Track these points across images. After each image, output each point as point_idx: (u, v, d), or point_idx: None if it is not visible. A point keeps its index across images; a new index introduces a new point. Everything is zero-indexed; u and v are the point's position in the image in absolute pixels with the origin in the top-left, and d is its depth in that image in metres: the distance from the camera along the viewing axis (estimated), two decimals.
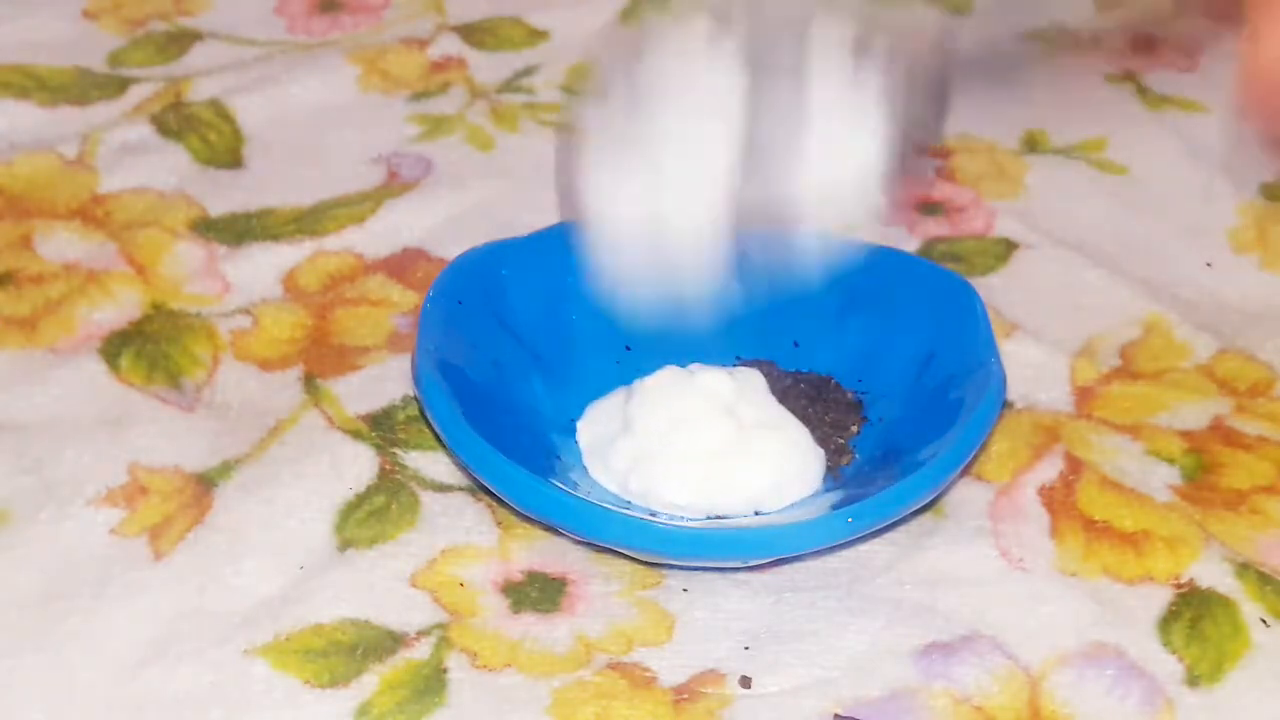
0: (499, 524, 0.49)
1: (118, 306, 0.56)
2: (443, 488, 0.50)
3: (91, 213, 0.59)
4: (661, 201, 0.47)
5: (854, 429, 0.51)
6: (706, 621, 0.46)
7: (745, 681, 0.45)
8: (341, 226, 0.59)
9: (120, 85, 0.66)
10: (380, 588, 0.47)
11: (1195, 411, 0.53)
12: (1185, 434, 0.52)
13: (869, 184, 0.47)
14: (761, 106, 0.47)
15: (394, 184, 0.61)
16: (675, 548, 0.46)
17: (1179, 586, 0.48)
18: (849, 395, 0.52)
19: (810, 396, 0.51)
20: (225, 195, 0.60)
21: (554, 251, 0.52)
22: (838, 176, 0.47)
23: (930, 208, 0.61)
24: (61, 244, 0.58)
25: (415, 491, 0.50)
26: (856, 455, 0.50)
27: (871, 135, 0.47)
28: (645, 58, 0.47)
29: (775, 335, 0.53)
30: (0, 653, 0.45)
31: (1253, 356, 0.55)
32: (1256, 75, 0.44)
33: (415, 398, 0.51)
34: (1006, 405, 0.52)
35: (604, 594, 0.47)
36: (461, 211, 0.60)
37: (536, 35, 0.70)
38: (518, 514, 0.48)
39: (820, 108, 0.47)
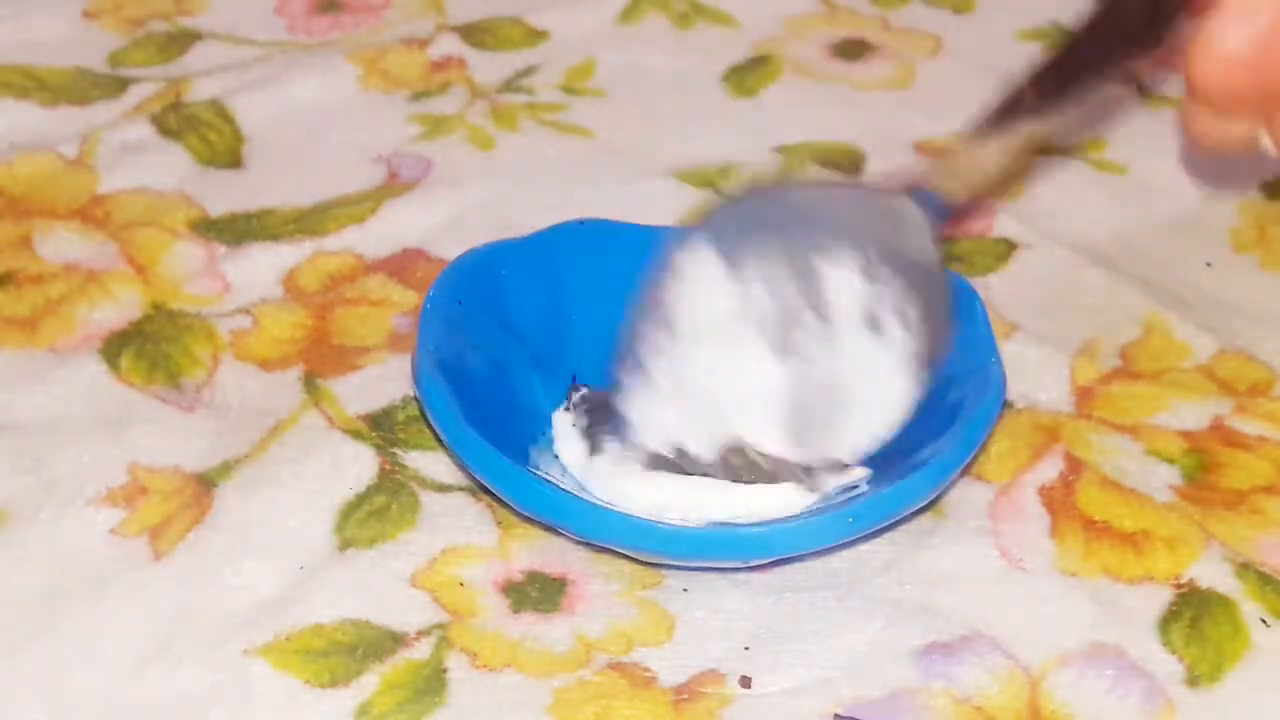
0: (499, 524, 0.49)
1: (118, 306, 0.56)
2: (443, 488, 0.50)
3: (91, 213, 0.59)
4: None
5: None
6: (706, 621, 0.46)
7: (745, 681, 0.45)
8: (341, 226, 0.59)
9: (120, 85, 0.66)
10: (380, 588, 0.47)
11: (1195, 411, 0.53)
12: (1185, 434, 0.52)
13: (901, 417, 0.48)
14: (791, 344, 0.48)
15: (394, 184, 0.61)
16: (675, 548, 0.46)
17: (1179, 586, 0.48)
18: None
19: None
20: (225, 195, 0.60)
21: (554, 251, 0.52)
22: (872, 426, 0.48)
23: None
24: (61, 244, 0.58)
25: (415, 491, 0.50)
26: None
27: (900, 377, 0.48)
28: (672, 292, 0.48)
29: None
30: (0, 653, 0.45)
31: (1253, 356, 0.55)
32: (1208, 72, 0.44)
33: (415, 398, 0.51)
34: (1006, 405, 0.52)
35: (604, 594, 0.47)
36: (461, 211, 0.60)
37: (536, 35, 0.70)
38: (518, 514, 0.48)
39: (847, 343, 0.48)
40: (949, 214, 0.49)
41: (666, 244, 0.48)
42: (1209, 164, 0.62)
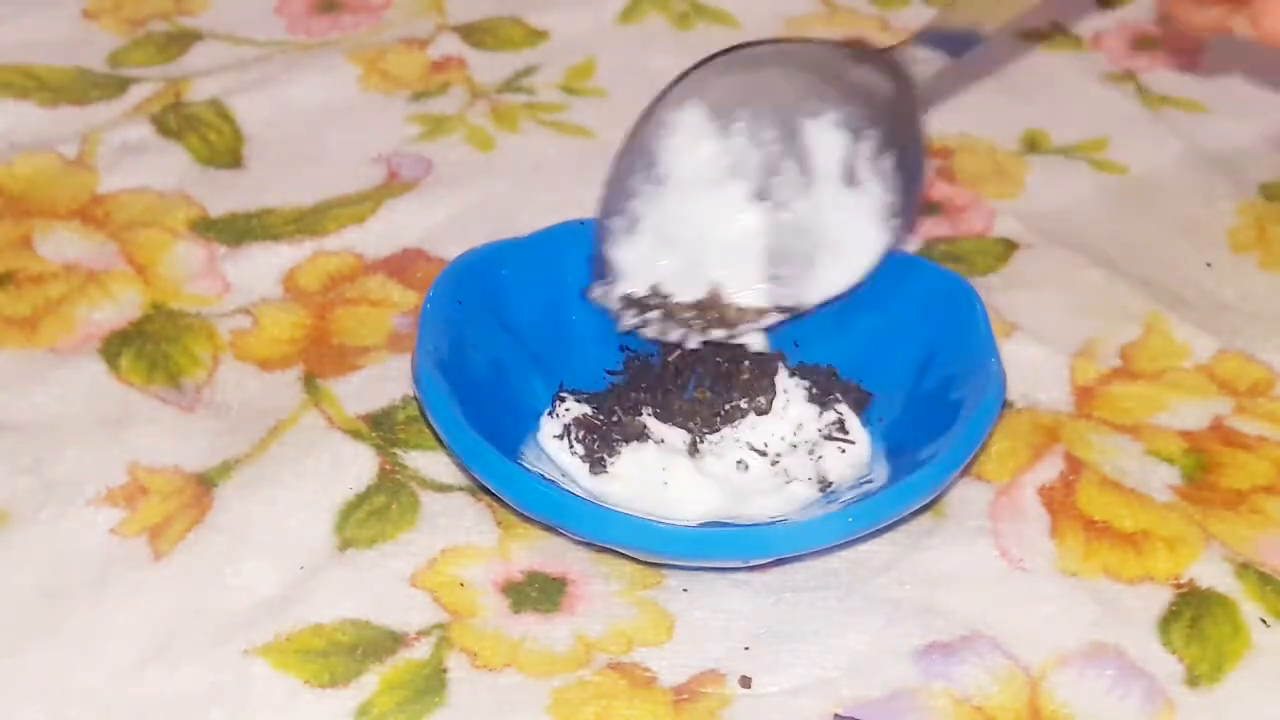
0: (499, 524, 0.49)
1: (118, 306, 0.56)
2: (443, 488, 0.50)
3: (91, 213, 0.59)
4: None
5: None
6: (706, 621, 0.46)
7: (745, 681, 0.45)
8: (341, 226, 0.59)
9: (120, 85, 0.66)
10: (380, 588, 0.47)
11: (1195, 411, 0.53)
12: (1185, 434, 0.52)
13: (871, 263, 0.51)
14: (773, 192, 0.51)
15: (394, 184, 0.61)
16: (675, 548, 0.46)
17: (1179, 586, 0.48)
18: (854, 386, 0.52)
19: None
20: (225, 195, 0.60)
21: (554, 251, 0.52)
22: (844, 272, 0.51)
23: (930, 208, 0.61)
24: (61, 244, 0.58)
25: (415, 491, 0.50)
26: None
27: (873, 226, 0.51)
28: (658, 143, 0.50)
29: (776, 335, 0.53)
30: (0, 653, 0.45)
31: (1253, 356, 0.55)
32: None
33: (415, 398, 0.51)
34: (1006, 405, 0.52)
35: (604, 594, 0.47)
36: (461, 211, 0.60)
37: (536, 35, 0.70)
38: (518, 514, 0.48)
39: (826, 194, 0.51)
40: (963, 49, 0.52)
41: (657, 95, 0.50)
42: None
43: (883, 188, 0.51)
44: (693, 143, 0.50)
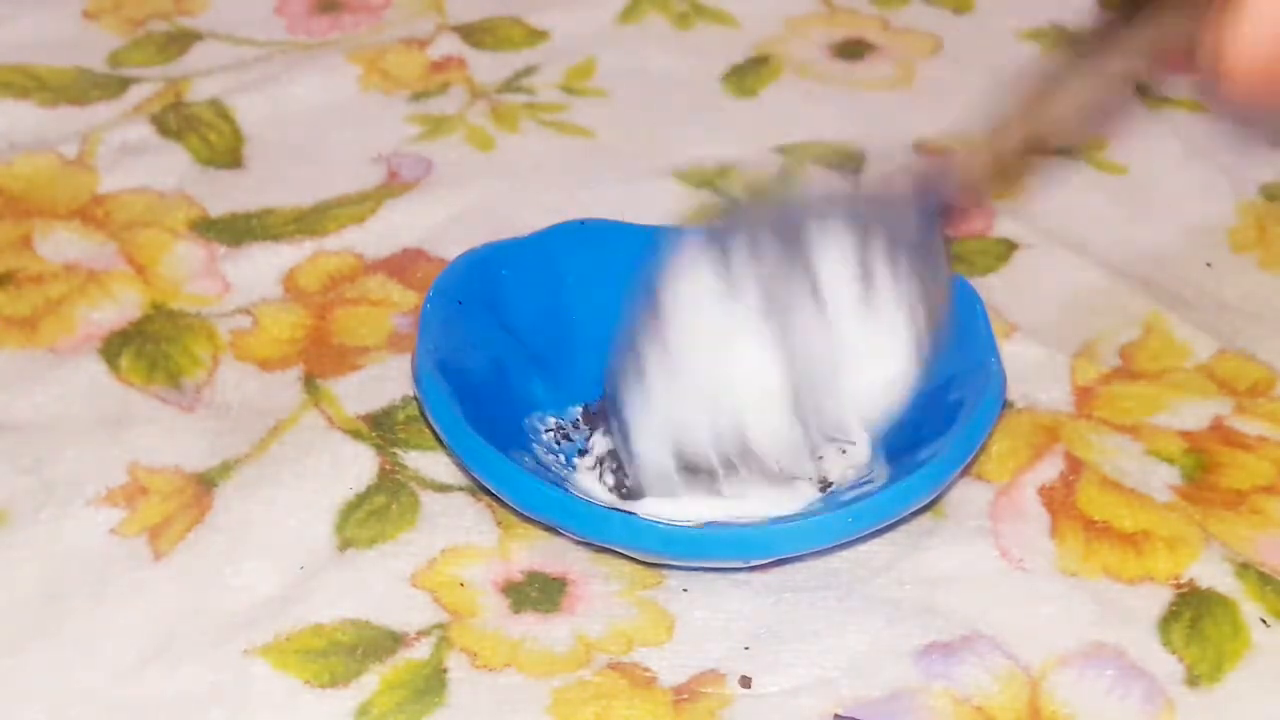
0: (499, 524, 0.49)
1: (118, 306, 0.56)
2: (443, 488, 0.50)
3: (91, 213, 0.59)
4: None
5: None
6: (706, 621, 0.46)
7: (745, 681, 0.45)
8: (341, 226, 0.59)
9: (120, 85, 0.66)
10: (380, 588, 0.47)
11: (1195, 411, 0.53)
12: (1185, 434, 0.52)
13: (907, 381, 0.48)
14: (788, 333, 0.47)
15: (394, 184, 0.61)
16: (675, 548, 0.46)
17: (1179, 586, 0.48)
18: None
19: None
20: (225, 195, 0.60)
21: (554, 252, 0.52)
22: (873, 403, 0.48)
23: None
24: (61, 244, 0.58)
25: (415, 491, 0.50)
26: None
27: (899, 353, 0.48)
28: (666, 306, 0.47)
29: None
30: (0, 653, 0.45)
31: (1253, 356, 0.55)
32: (1239, 58, 0.43)
33: (415, 398, 0.51)
34: (1006, 405, 0.52)
35: (604, 594, 0.47)
36: (461, 211, 0.60)
37: (536, 35, 0.70)
38: (518, 514, 0.48)
39: (844, 324, 0.48)
40: (951, 210, 0.50)
41: (658, 255, 0.48)
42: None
43: (903, 311, 0.48)
44: (695, 306, 0.48)
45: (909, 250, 0.48)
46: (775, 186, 0.49)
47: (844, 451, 0.49)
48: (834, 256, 0.47)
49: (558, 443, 0.50)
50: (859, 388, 0.48)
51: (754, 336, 0.47)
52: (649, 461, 0.47)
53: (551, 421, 0.51)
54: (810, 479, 0.49)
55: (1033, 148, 0.54)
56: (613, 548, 0.47)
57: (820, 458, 0.49)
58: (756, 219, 0.48)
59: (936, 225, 0.48)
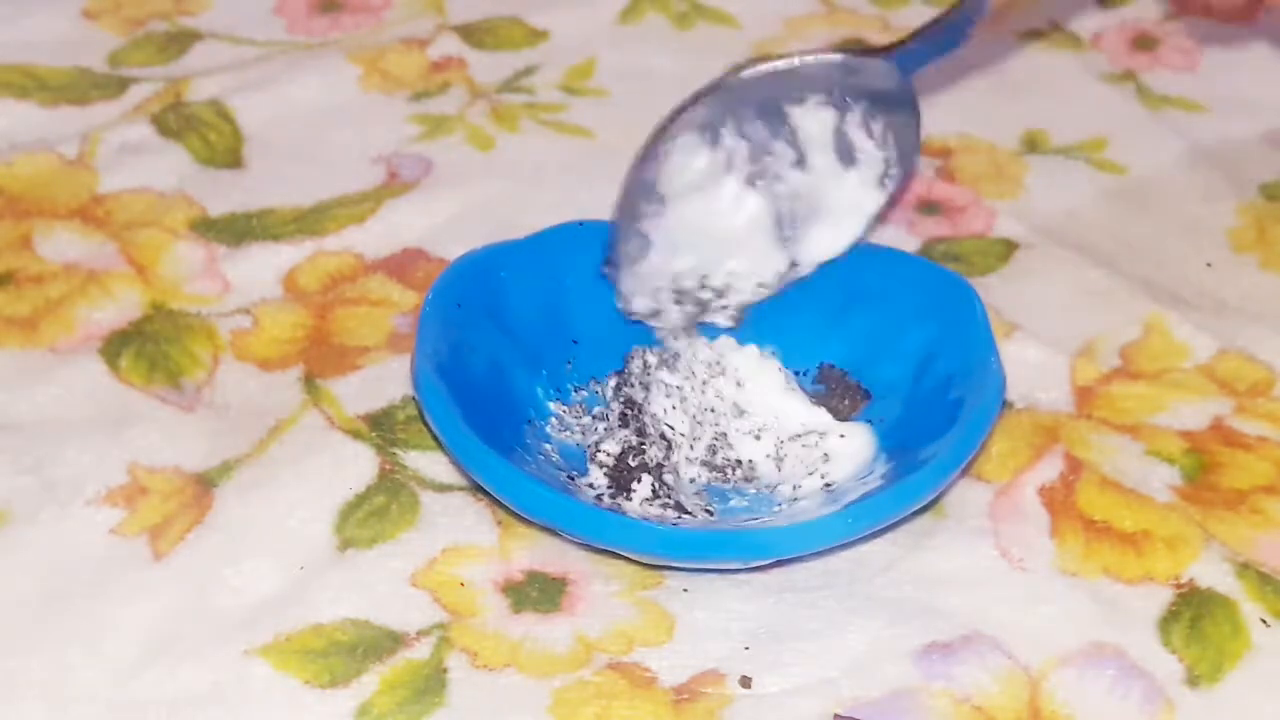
0: (499, 524, 0.49)
1: (118, 306, 0.56)
2: (443, 488, 0.50)
3: (91, 213, 0.59)
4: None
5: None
6: (706, 621, 0.46)
7: (745, 681, 0.45)
8: (341, 226, 0.59)
9: (120, 85, 0.66)
10: (380, 588, 0.47)
11: (1195, 411, 0.53)
12: (1185, 434, 0.52)
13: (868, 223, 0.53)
14: (769, 178, 0.52)
15: (394, 184, 0.61)
16: (675, 550, 0.46)
17: (1179, 586, 0.48)
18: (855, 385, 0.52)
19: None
20: (225, 195, 0.60)
21: (553, 253, 0.52)
22: (844, 233, 0.53)
23: (930, 208, 0.61)
24: (61, 244, 0.58)
25: (415, 491, 0.50)
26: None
27: (873, 192, 0.53)
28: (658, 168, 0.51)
29: (775, 335, 0.53)
30: (0, 653, 0.45)
31: (1253, 356, 0.55)
32: None
33: (415, 399, 0.51)
34: (1006, 405, 0.52)
35: (604, 594, 0.47)
36: (461, 211, 0.60)
37: (536, 35, 0.70)
38: (518, 515, 0.48)
39: (824, 183, 0.52)
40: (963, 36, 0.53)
41: (650, 134, 0.51)
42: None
43: (875, 148, 0.52)
44: (685, 162, 0.51)
45: (879, 98, 0.51)
46: (760, 59, 0.51)
47: (843, 436, 0.50)
48: (807, 105, 0.51)
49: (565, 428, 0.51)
50: (831, 218, 0.53)
51: (738, 183, 0.52)
52: (645, 301, 0.52)
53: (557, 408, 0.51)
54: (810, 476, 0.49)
55: None
56: (613, 550, 0.47)
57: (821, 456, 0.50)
58: (742, 92, 0.51)
59: (907, 77, 0.52)
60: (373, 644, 0.45)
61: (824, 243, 0.53)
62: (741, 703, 0.44)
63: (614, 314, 0.52)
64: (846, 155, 0.52)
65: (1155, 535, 0.49)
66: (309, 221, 0.59)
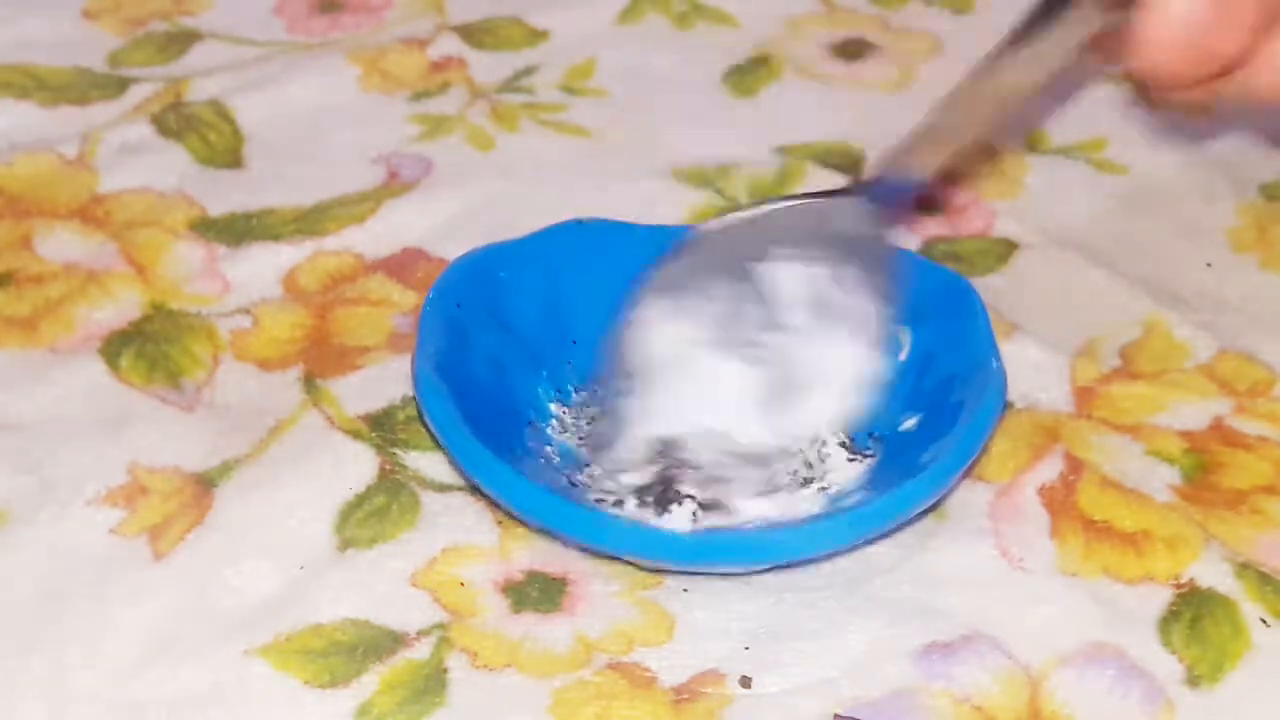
0: (499, 524, 0.49)
1: (118, 306, 0.56)
2: (443, 488, 0.50)
3: (91, 213, 0.59)
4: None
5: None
6: (706, 621, 0.46)
7: (745, 681, 0.45)
8: (341, 226, 0.59)
9: (120, 85, 0.66)
10: (380, 588, 0.47)
11: (1195, 411, 0.53)
12: (1185, 434, 0.52)
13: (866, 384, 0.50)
14: (746, 352, 0.50)
15: (394, 184, 0.61)
16: (674, 553, 0.46)
17: (1179, 586, 0.48)
18: None
19: None
20: (225, 195, 0.60)
21: (553, 253, 0.52)
22: (842, 399, 0.50)
23: (930, 208, 0.61)
24: (61, 244, 0.58)
25: (415, 491, 0.50)
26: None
27: (859, 346, 0.50)
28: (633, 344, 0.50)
29: None
30: (0, 653, 0.45)
31: (1253, 356, 0.55)
32: (1156, 42, 0.45)
33: (415, 399, 0.51)
34: (1007, 405, 0.52)
35: (604, 594, 0.47)
36: (461, 211, 0.60)
37: (536, 35, 0.70)
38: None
39: (799, 339, 0.50)
40: (912, 193, 0.51)
41: (622, 304, 0.50)
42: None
43: (855, 306, 0.50)
44: (651, 332, 0.50)
45: (858, 256, 0.49)
46: (724, 213, 0.50)
47: (845, 446, 0.49)
48: (777, 264, 0.49)
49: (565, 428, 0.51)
50: (825, 390, 0.50)
51: (714, 358, 0.49)
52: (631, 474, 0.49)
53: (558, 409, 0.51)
54: (794, 474, 0.49)
55: (979, 135, 0.55)
56: (611, 553, 0.47)
57: (809, 464, 0.49)
58: (708, 250, 0.50)
59: (883, 220, 0.50)
60: (373, 644, 0.45)
61: (815, 410, 0.50)
62: (741, 703, 0.44)
63: (614, 314, 0.52)
64: (824, 312, 0.50)
65: (1155, 535, 0.49)
66: (309, 221, 0.59)
